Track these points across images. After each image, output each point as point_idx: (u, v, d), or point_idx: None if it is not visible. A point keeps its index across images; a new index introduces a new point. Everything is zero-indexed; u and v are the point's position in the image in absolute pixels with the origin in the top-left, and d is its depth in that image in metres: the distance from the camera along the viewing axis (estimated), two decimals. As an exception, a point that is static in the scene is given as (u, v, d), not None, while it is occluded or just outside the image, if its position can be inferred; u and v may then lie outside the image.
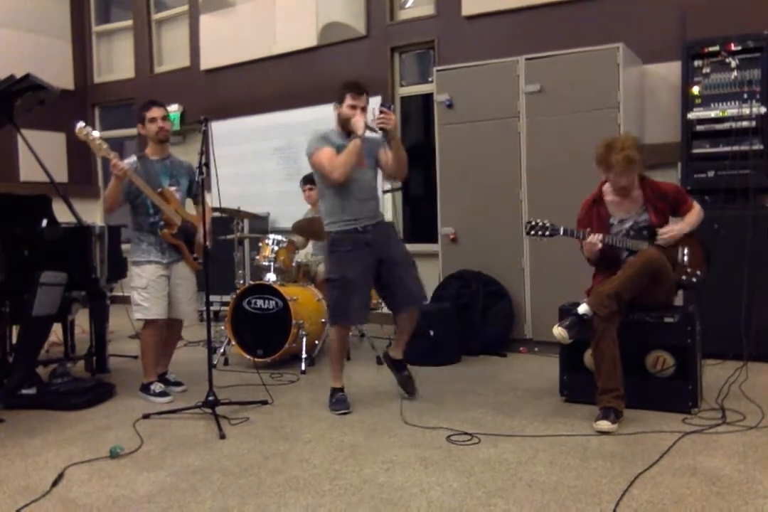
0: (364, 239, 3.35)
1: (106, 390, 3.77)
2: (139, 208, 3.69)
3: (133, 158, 3.70)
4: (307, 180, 5.40)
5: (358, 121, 3.30)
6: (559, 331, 3.11)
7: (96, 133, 3.50)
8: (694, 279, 3.35)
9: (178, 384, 3.88)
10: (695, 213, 3.37)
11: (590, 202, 3.42)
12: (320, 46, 6.58)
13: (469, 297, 4.75)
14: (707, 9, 4.74)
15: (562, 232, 3.24)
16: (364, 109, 3.37)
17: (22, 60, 7.07)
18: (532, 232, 3.25)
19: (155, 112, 3.69)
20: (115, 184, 3.52)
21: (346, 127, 3.37)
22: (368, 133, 3.32)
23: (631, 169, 3.19)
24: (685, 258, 3.36)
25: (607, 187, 3.40)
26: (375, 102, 6.09)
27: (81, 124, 3.47)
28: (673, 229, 3.31)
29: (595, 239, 3.18)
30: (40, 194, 4.00)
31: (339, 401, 3.41)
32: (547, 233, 3.24)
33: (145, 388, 3.71)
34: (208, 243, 3.51)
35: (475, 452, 2.73)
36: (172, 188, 3.76)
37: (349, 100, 3.36)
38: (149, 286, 3.64)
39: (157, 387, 3.70)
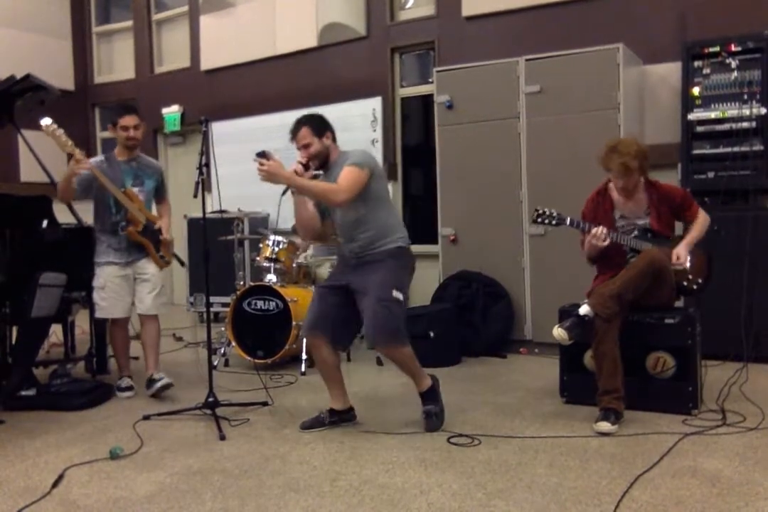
0: (350, 261, 3.15)
1: (106, 391, 3.77)
2: (103, 208, 3.79)
3: (100, 157, 3.82)
4: None
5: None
6: (559, 332, 3.10)
7: (61, 130, 3.52)
8: (694, 286, 3.34)
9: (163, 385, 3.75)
10: (700, 223, 3.35)
11: (595, 194, 3.44)
12: (320, 47, 6.58)
13: (470, 297, 4.75)
14: (707, 9, 4.75)
15: (568, 223, 3.24)
16: (305, 146, 3.08)
17: (22, 60, 7.07)
18: (539, 220, 3.26)
19: (128, 121, 3.78)
20: (69, 176, 3.56)
21: None
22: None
23: (628, 175, 3.20)
24: (687, 264, 3.35)
25: (613, 185, 3.41)
26: (376, 103, 6.16)
27: (48, 121, 3.48)
28: (680, 254, 3.25)
29: (600, 232, 3.17)
30: (40, 195, 4.00)
31: (311, 418, 3.15)
32: (554, 222, 3.24)
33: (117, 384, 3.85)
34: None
35: (475, 453, 2.73)
36: (135, 189, 3.83)
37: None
38: (106, 287, 3.74)
39: (124, 382, 3.82)
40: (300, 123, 3.11)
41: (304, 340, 3.30)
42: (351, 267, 3.14)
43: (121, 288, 3.76)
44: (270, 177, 2.89)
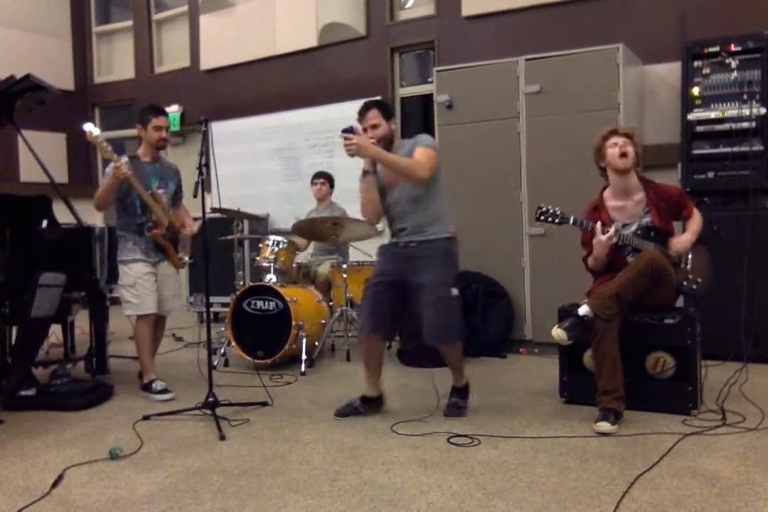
0: (401, 253, 3.21)
1: (105, 391, 3.77)
2: (128, 208, 3.79)
3: (124, 158, 3.74)
4: (319, 174, 5.47)
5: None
6: (558, 333, 3.10)
7: (102, 137, 3.60)
8: (694, 286, 3.34)
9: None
10: (697, 220, 3.38)
11: (591, 209, 3.41)
12: (320, 47, 6.59)
13: (469, 297, 4.74)
14: (707, 9, 4.75)
15: (572, 222, 3.23)
16: (374, 127, 3.13)
17: (22, 60, 7.08)
18: (542, 218, 3.24)
19: (163, 122, 3.80)
20: (112, 184, 3.62)
21: None
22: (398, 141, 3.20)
23: (618, 137, 3.24)
24: (689, 264, 3.35)
25: (608, 193, 3.40)
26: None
27: (90, 126, 3.56)
28: (683, 240, 3.30)
29: (610, 231, 3.16)
30: (40, 195, 4.00)
31: (344, 405, 3.33)
32: (557, 221, 3.23)
33: (147, 387, 3.75)
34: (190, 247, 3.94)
35: (474, 453, 2.73)
36: (160, 190, 3.84)
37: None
38: (137, 283, 3.73)
39: (159, 384, 3.73)
40: (370, 104, 3.20)
41: (360, 336, 3.38)
42: (400, 260, 3.20)
43: (151, 284, 3.77)
44: (360, 150, 2.93)
